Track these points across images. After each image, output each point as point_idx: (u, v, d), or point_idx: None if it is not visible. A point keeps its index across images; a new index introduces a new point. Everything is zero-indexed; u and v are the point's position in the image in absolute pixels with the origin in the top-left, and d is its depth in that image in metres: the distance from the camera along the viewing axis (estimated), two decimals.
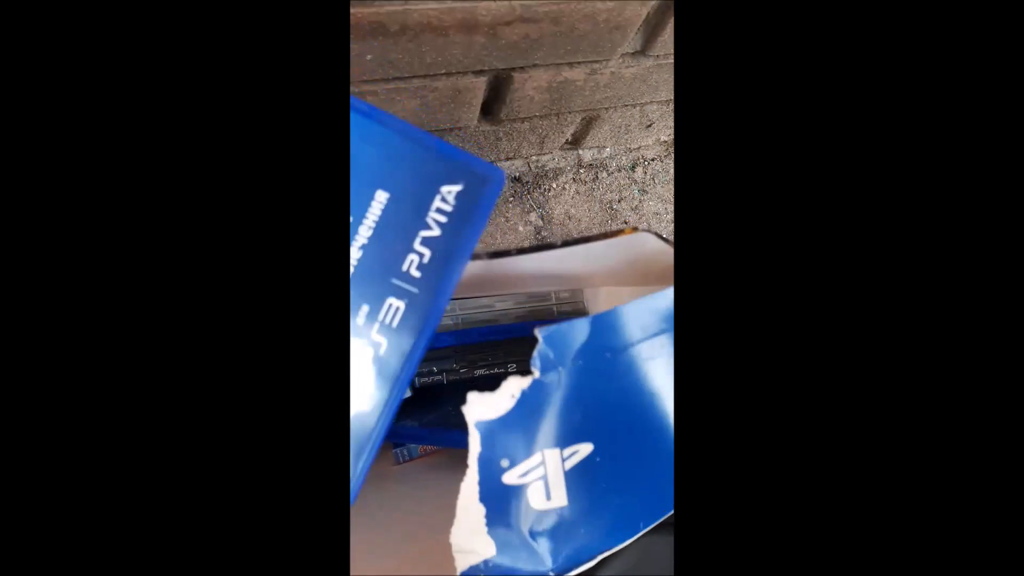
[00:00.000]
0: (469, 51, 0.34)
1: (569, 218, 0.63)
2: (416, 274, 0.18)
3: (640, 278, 0.41)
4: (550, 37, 0.35)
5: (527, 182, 0.61)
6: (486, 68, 0.37)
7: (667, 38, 0.40)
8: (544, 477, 0.22)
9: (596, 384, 0.22)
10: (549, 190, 0.62)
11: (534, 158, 0.57)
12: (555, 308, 0.50)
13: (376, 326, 0.18)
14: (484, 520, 0.21)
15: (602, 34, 0.37)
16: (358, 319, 0.18)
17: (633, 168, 0.66)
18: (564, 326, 0.21)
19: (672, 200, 0.68)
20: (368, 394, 0.18)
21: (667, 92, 0.50)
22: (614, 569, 0.25)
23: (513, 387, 0.20)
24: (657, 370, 0.23)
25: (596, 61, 0.41)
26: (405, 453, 0.40)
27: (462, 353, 0.43)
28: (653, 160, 0.67)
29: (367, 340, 0.18)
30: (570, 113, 0.48)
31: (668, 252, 0.31)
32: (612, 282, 0.45)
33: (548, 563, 0.22)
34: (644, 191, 0.66)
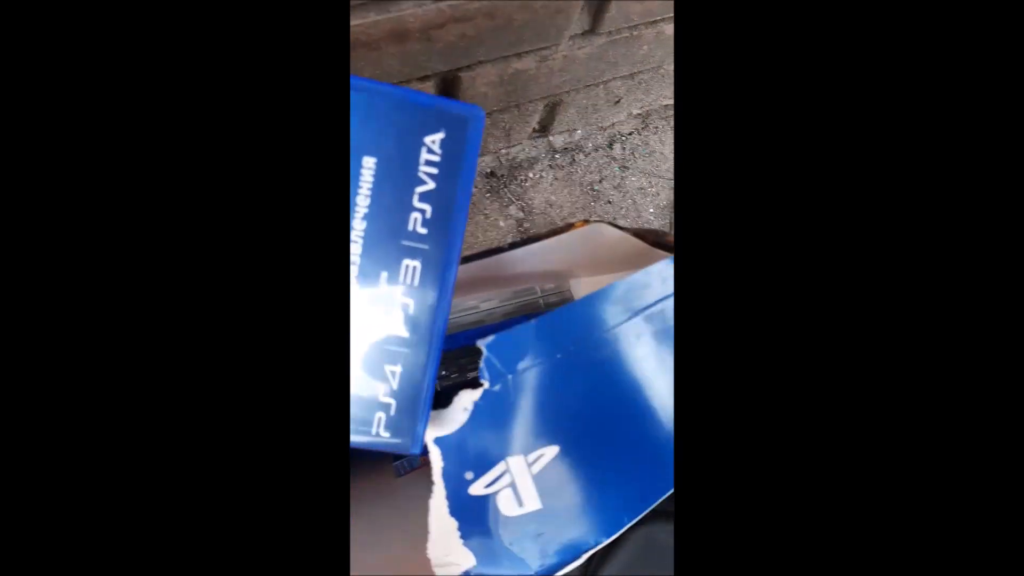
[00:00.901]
0: (407, 60, 0.34)
1: (550, 206, 0.63)
2: (422, 231, 0.18)
3: (615, 266, 0.40)
4: (489, 32, 0.35)
5: (502, 176, 0.60)
6: (430, 73, 0.36)
7: (615, 13, 0.39)
8: (512, 484, 0.22)
9: (553, 386, 0.22)
10: (526, 181, 0.62)
11: (503, 151, 0.57)
12: (542, 301, 0.49)
13: (400, 289, 0.18)
14: (458, 533, 0.21)
15: (543, 20, 0.36)
16: (380, 286, 0.18)
17: (611, 145, 0.65)
18: (507, 333, 0.21)
19: (655, 173, 0.66)
20: (410, 351, 0.18)
21: (628, 67, 0.48)
22: (616, 567, 0.25)
23: (465, 400, 0.20)
24: (619, 363, 0.23)
25: (545, 47, 0.40)
26: (405, 465, 0.41)
27: (451, 359, 0.44)
28: (630, 134, 0.65)
29: (396, 303, 0.18)
30: (530, 102, 0.48)
31: (627, 239, 0.31)
32: (589, 273, 0.45)
33: (531, 566, 0.23)
34: (625, 167, 0.65)
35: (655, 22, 0.43)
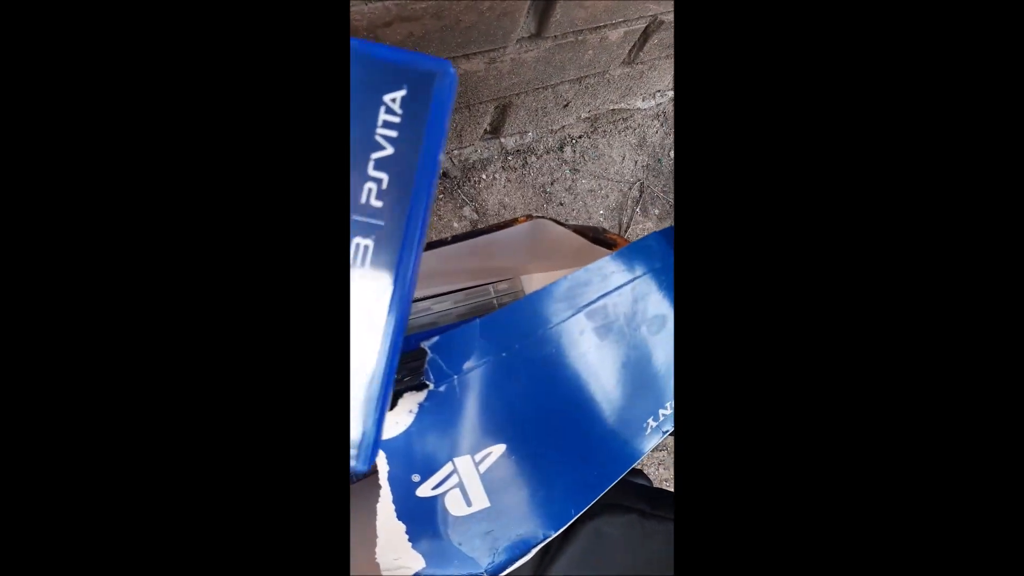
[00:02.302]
0: None
1: (504, 207, 0.63)
2: (377, 204, 0.15)
3: (556, 262, 0.41)
4: (436, 32, 0.35)
5: (455, 177, 0.60)
6: None
7: (559, 18, 0.40)
8: (460, 484, 0.22)
9: (498, 384, 0.22)
10: (479, 182, 0.62)
11: (455, 152, 0.57)
12: (495, 300, 0.50)
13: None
14: (406, 536, 0.21)
15: (490, 23, 0.36)
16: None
17: (561, 148, 0.66)
18: (451, 334, 0.21)
19: (604, 176, 0.68)
20: (360, 348, 0.15)
21: (575, 71, 0.50)
22: (566, 562, 0.26)
23: (410, 402, 0.20)
24: (564, 359, 0.23)
25: (492, 50, 0.40)
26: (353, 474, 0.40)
27: (404, 362, 0.43)
28: (580, 138, 0.67)
29: None
30: (481, 103, 0.48)
31: (569, 235, 0.32)
32: (539, 269, 0.45)
33: (481, 564, 0.23)
34: (575, 170, 0.67)
35: (599, 28, 0.44)
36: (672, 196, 0.72)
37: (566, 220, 0.65)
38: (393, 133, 0.15)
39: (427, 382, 0.20)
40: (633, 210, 0.71)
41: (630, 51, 0.51)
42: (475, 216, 0.62)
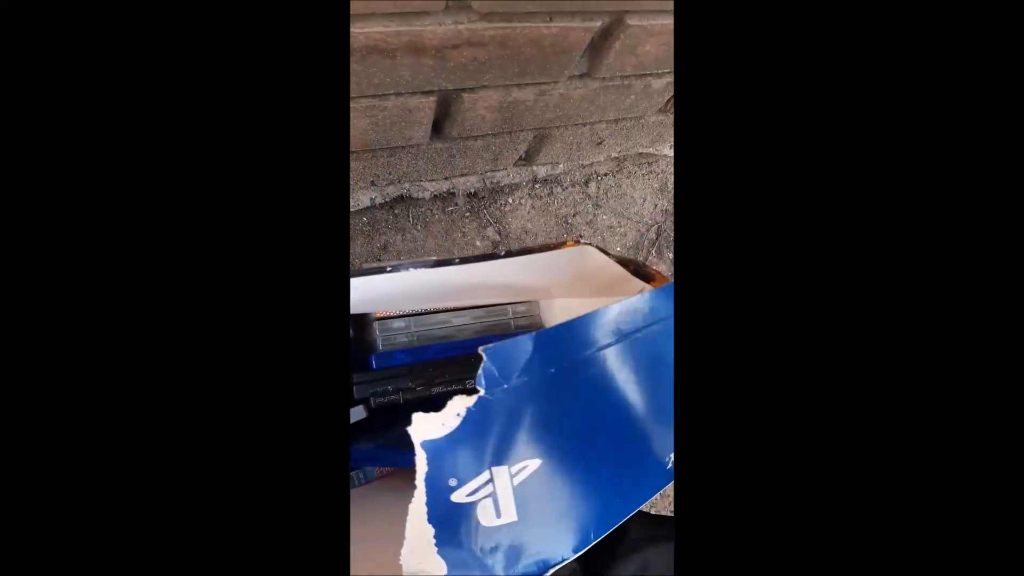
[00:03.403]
0: (418, 73, 0.35)
1: (525, 232, 0.65)
2: None
3: (589, 290, 0.42)
4: (498, 60, 0.36)
5: (483, 197, 0.61)
6: (435, 89, 0.37)
7: (611, 62, 0.42)
8: (493, 495, 0.22)
9: (542, 399, 0.23)
10: (505, 205, 0.63)
11: (488, 174, 0.58)
12: (512, 322, 0.50)
13: None
14: (434, 540, 0.21)
15: (548, 57, 0.38)
16: None
17: (587, 183, 0.68)
18: (508, 343, 0.21)
19: (624, 214, 0.70)
20: None
21: (615, 112, 0.52)
22: None
23: (459, 405, 0.21)
24: (604, 383, 0.24)
25: (545, 83, 0.42)
26: (361, 476, 0.40)
27: (418, 371, 0.43)
28: (606, 175, 0.69)
29: None
30: (522, 131, 0.49)
31: (611, 265, 0.32)
32: (563, 294, 0.46)
33: None
34: (598, 205, 0.68)
35: (644, 75, 0.47)
36: None
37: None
38: None
39: (478, 387, 0.20)
40: (649, 251, 0.72)
41: (668, 101, 0.54)
42: (497, 237, 0.63)
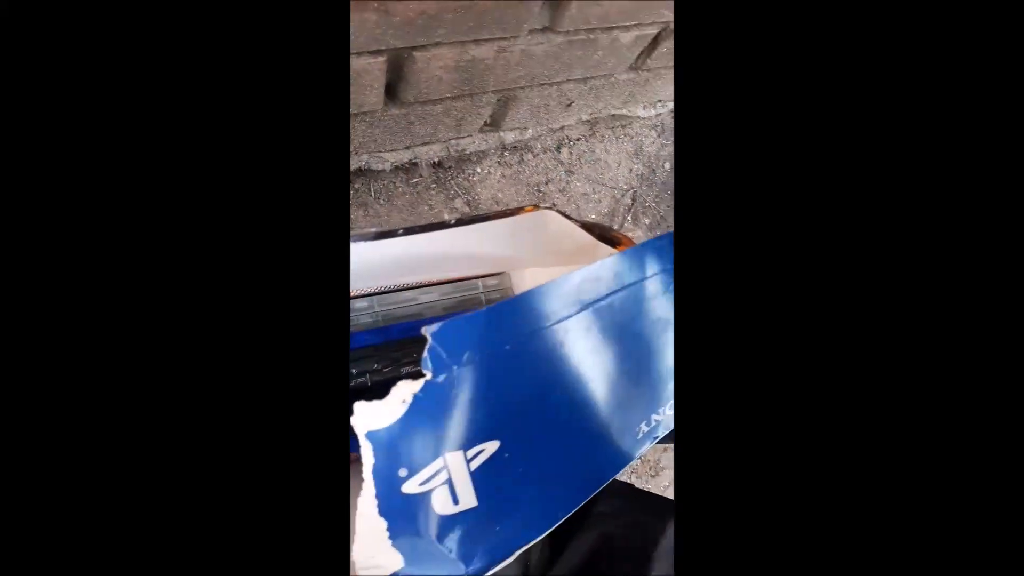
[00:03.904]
0: (361, 30, 0.32)
1: (496, 203, 0.62)
2: None
3: (557, 258, 0.40)
4: (450, 12, 0.33)
5: (449, 167, 0.59)
6: (383, 48, 0.34)
7: (574, 12, 0.39)
8: (448, 481, 0.21)
9: (498, 378, 0.21)
10: (473, 175, 0.61)
11: (453, 142, 0.55)
12: (483, 296, 0.48)
13: None
14: (387, 533, 0.19)
15: (505, 9, 0.35)
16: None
17: (559, 149, 0.65)
18: (455, 321, 0.19)
19: (599, 180, 0.68)
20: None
21: (582, 70, 0.49)
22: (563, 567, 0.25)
23: (404, 392, 0.19)
24: (566, 356, 0.22)
25: (503, 38, 0.39)
26: None
27: (383, 351, 0.41)
28: (578, 140, 0.66)
29: None
30: (484, 94, 0.47)
31: (575, 230, 0.31)
32: (532, 263, 0.44)
33: (462, 567, 0.21)
34: (571, 172, 0.66)
35: (611, 28, 0.44)
36: (663, 207, 0.73)
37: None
38: None
39: (424, 371, 0.18)
40: (624, 217, 0.70)
41: (639, 56, 0.51)
42: (467, 209, 0.61)
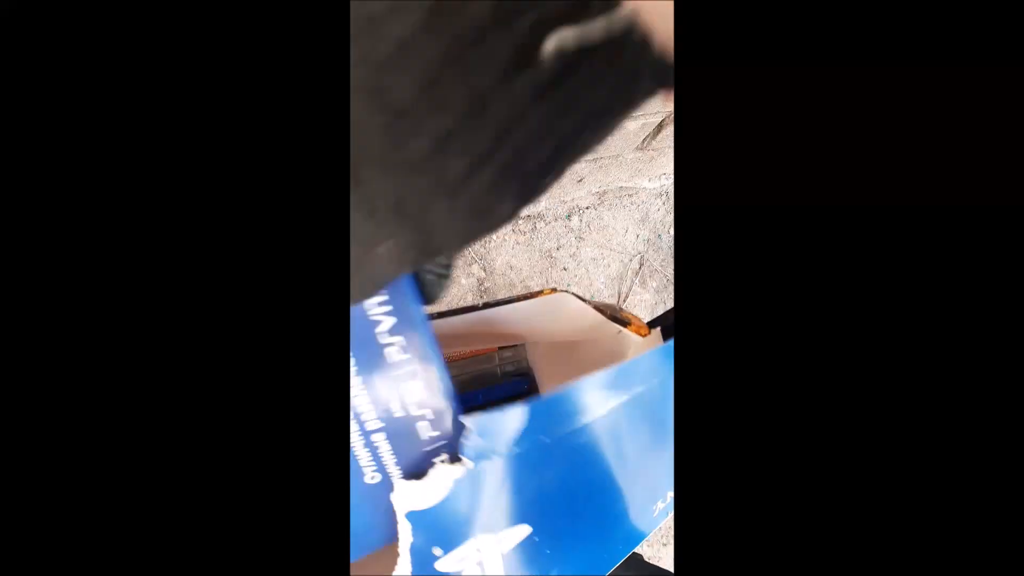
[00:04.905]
0: None
1: (510, 268, 0.65)
2: (404, 356, 0.19)
3: (569, 334, 0.42)
4: None
5: None
6: None
7: None
8: (481, 563, 0.22)
9: (534, 469, 0.23)
10: (489, 242, 0.64)
11: None
12: (499, 369, 0.50)
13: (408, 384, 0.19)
14: None
15: None
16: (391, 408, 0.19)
17: (569, 217, 0.69)
18: (497, 415, 0.21)
19: (607, 246, 0.71)
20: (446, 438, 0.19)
21: (593, 151, 0.53)
22: None
23: (445, 477, 0.21)
24: (597, 446, 0.24)
25: None
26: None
27: None
28: (587, 208, 0.70)
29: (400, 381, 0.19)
30: None
31: (588, 310, 0.33)
32: (546, 338, 0.47)
33: None
34: (580, 238, 0.69)
35: None
36: (669, 270, 0.75)
37: (569, 286, 0.67)
38: (388, 308, 0.19)
39: (464, 458, 0.20)
40: (632, 281, 0.73)
41: (644, 139, 0.55)
42: (482, 274, 0.64)
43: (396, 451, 0.19)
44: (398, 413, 0.19)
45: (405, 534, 0.20)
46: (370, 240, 0.13)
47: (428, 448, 0.20)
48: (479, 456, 0.21)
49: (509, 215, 0.12)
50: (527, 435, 0.21)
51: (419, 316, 0.19)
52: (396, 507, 0.20)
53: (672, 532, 0.69)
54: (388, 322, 0.19)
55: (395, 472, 0.20)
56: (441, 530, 0.21)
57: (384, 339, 0.19)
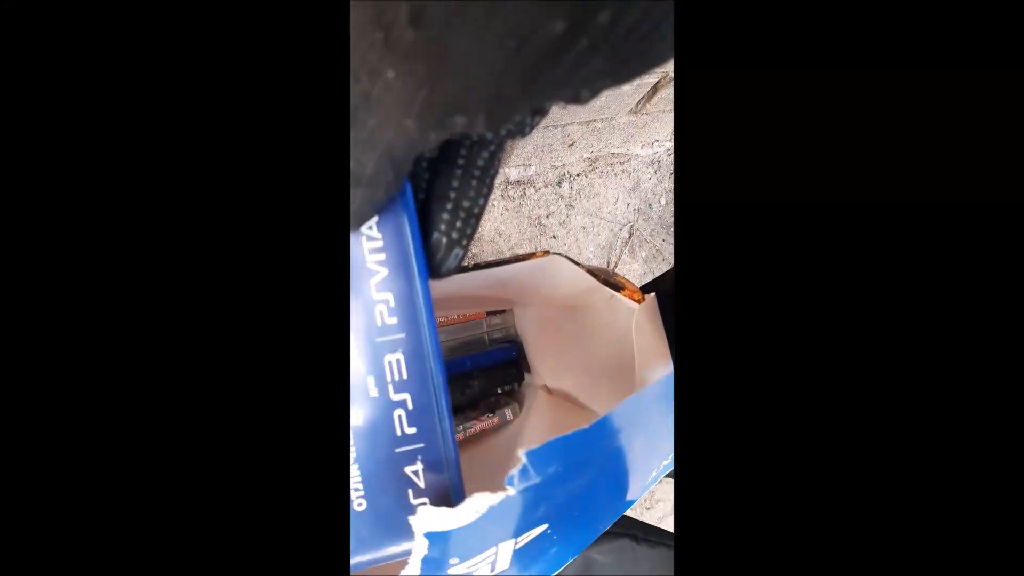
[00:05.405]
0: None
1: (499, 234, 0.63)
2: (392, 320, 0.17)
3: (560, 298, 0.41)
4: None
5: None
6: None
7: None
8: (493, 562, 0.21)
9: (562, 483, 0.21)
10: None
11: None
12: (487, 335, 0.49)
13: (390, 388, 0.17)
14: None
15: None
16: (371, 391, 0.17)
17: (559, 184, 0.67)
18: (552, 444, 0.19)
19: (597, 214, 0.69)
20: (425, 445, 0.18)
21: (586, 113, 0.51)
22: None
23: (480, 504, 0.18)
24: (616, 449, 0.23)
25: None
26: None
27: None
28: (578, 175, 0.68)
29: (391, 403, 0.17)
30: None
31: (580, 274, 0.32)
32: (536, 303, 0.45)
33: None
34: (571, 206, 0.67)
35: None
36: (659, 240, 0.74)
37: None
38: (381, 256, 0.17)
39: (509, 487, 0.18)
40: (622, 250, 0.72)
41: (639, 102, 0.53)
42: None
43: (359, 454, 0.17)
44: (372, 392, 0.17)
45: (420, 548, 0.18)
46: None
47: (399, 449, 0.17)
48: (524, 482, 0.18)
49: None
50: (569, 457, 0.20)
51: (421, 286, 0.17)
52: (414, 527, 0.17)
53: (655, 496, 0.71)
54: (382, 273, 0.16)
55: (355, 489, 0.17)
56: (462, 544, 0.20)
57: (377, 293, 0.16)
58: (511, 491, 0.18)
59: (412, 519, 0.16)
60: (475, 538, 0.19)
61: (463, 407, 0.47)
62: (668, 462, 0.27)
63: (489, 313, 0.49)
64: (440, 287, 0.36)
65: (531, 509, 0.20)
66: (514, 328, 0.50)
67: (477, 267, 0.34)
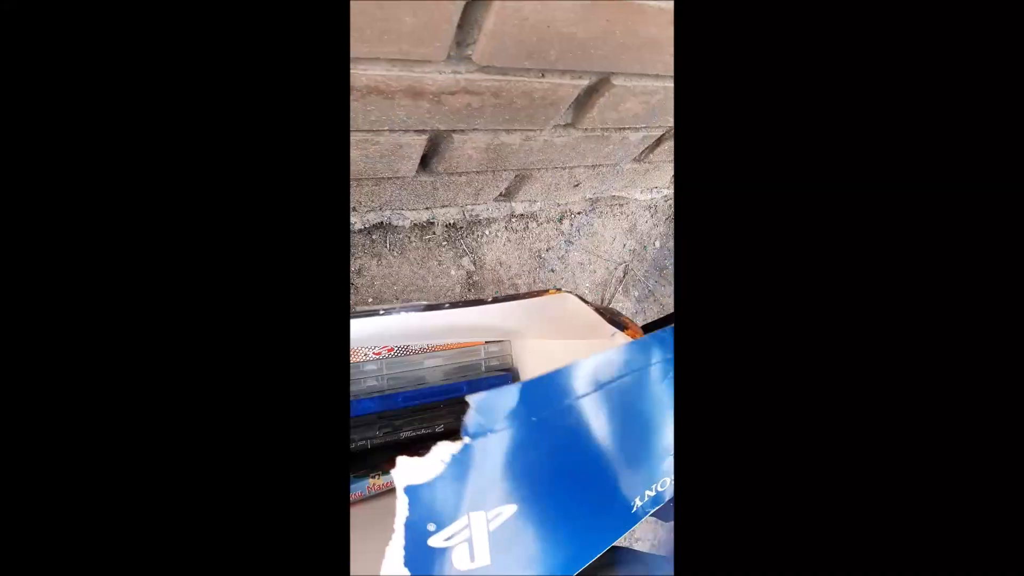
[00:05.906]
0: (413, 113, 0.36)
1: (500, 264, 0.66)
2: None
3: (564, 333, 0.43)
4: (491, 107, 0.38)
5: (461, 228, 0.63)
6: (428, 129, 0.39)
7: (594, 115, 0.44)
8: (469, 539, 0.23)
9: (521, 447, 0.23)
10: (482, 236, 0.64)
11: (468, 207, 0.60)
12: (483, 363, 0.51)
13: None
14: None
15: (537, 108, 0.40)
16: None
17: (560, 220, 0.70)
18: (495, 393, 0.22)
19: (595, 252, 0.73)
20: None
21: (593, 159, 0.54)
22: None
23: (443, 452, 0.21)
24: (580, 431, 0.25)
25: (531, 130, 0.44)
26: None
27: (387, 419, 0.43)
28: (579, 214, 0.71)
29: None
30: (505, 171, 0.51)
31: (588, 312, 0.34)
32: (537, 335, 0.48)
33: None
34: (570, 242, 0.71)
35: (623, 129, 0.50)
36: (651, 281, 0.78)
37: (555, 286, 0.68)
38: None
39: (464, 435, 0.21)
40: (616, 288, 0.75)
41: (643, 151, 0.57)
42: (472, 267, 0.64)
43: None
44: None
45: (402, 508, 0.21)
46: None
47: None
48: (477, 433, 0.21)
49: None
50: (520, 413, 0.22)
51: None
52: (395, 481, 0.20)
53: (634, 535, 0.71)
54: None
55: None
56: (436, 506, 0.22)
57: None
58: (467, 439, 0.20)
59: (393, 472, 0.19)
60: (446, 499, 0.21)
61: (456, 431, 0.48)
62: (659, 486, 0.28)
63: (488, 341, 0.51)
64: (452, 316, 0.38)
65: (494, 472, 0.22)
66: (510, 357, 0.52)
67: (496, 300, 0.37)
